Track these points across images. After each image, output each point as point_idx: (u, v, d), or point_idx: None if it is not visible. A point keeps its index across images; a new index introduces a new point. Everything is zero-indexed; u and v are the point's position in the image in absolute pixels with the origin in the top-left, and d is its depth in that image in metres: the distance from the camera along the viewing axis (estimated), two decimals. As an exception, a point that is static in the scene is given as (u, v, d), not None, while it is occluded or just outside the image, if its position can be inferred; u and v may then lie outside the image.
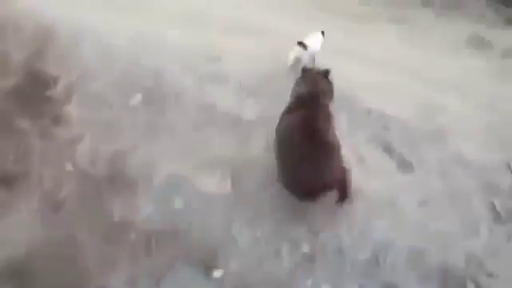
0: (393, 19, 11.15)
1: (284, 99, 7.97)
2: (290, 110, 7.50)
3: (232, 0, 10.20)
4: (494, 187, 7.80)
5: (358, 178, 7.72)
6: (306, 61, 8.89)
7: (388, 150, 8.20)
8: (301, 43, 8.74)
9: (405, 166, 7.98)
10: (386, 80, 9.14)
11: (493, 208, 7.62)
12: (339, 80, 8.70)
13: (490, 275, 7.02)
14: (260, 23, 9.84)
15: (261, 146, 8.09)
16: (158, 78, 8.81)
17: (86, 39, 9.27)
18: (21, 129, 8.34)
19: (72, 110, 8.52)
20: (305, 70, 7.95)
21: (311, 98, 7.51)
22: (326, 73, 7.84)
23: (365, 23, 10.87)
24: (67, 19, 9.49)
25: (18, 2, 9.70)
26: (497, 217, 7.53)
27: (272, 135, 7.68)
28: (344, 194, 7.41)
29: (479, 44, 10.61)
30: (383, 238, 7.28)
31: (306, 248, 7.35)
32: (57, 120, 8.43)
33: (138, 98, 8.60)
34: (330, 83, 7.87)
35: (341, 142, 7.30)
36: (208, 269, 7.11)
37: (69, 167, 7.88)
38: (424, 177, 7.87)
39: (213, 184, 7.69)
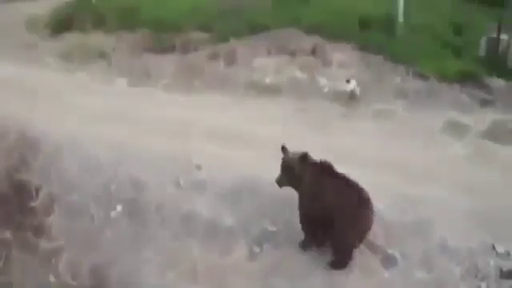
0: (367, 115, 11.38)
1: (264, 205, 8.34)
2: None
3: (220, 109, 10.38)
4: (481, 271, 7.81)
5: (340, 279, 7.79)
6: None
7: (370, 246, 8.25)
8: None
9: (388, 260, 8.03)
10: (364, 175, 9.24)
11: (481, 294, 7.72)
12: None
13: None
14: (245, 131, 10.06)
15: (242, 253, 8.16)
16: (138, 189, 8.99)
17: (70, 150, 9.51)
18: (3, 240, 8.38)
19: (53, 220, 8.61)
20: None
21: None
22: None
23: (344, 120, 11.10)
24: (52, 130, 9.71)
25: (1, 112, 9.92)
26: (485, 302, 7.61)
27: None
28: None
29: (455, 129, 10.74)
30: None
31: None
32: (38, 231, 8.49)
33: (118, 209, 8.74)
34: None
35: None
36: None
37: (52, 279, 7.87)
38: (409, 270, 7.90)
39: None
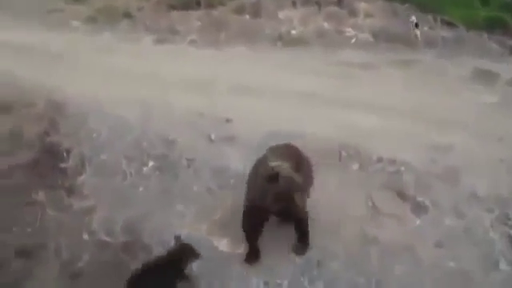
0: (395, 63, 11.24)
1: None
2: None
3: (243, 62, 10.33)
4: (511, 218, 7.84)
5: (372, 226, 7.86)
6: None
7: (401, 195, 8.32)
8: None
9: (419, 208, 8.07)
10: (393, 126, 9.27)
11: (511, 240, 7.64)
12: (346, 129, 8.86)
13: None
14: (273, 84, 9.99)
15: (275, 206, 8.20)
16: (169, 145, 9.06)
17: (96, 112, 9.58)
18: (37, 201, 8.48)
19: (85, 180, 8.72)
20: None
21: None
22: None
23: (370, 70, 10.99)
24: (79, 93, 9.78)
25: (28, 79, 10.01)
26: (516, 248, 7.59)
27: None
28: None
29: (483, 77, 10.66)
30: (401, 286, 7.27)
31: (324, 301, 7.38)
32: (71, 191, 8.60)
33: (150, 165, 8.81)
34: None
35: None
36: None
37: (85, 236, 7.97)
38: (439, 218, 7.95)
39: (229, 246, 7.77)
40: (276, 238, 7.73)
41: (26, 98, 9.76)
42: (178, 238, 7.25)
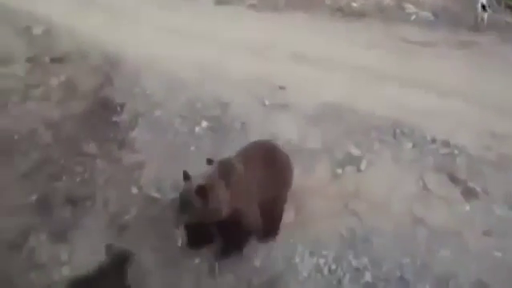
0: (455, 44, 10.98)
1: (348, 130, 8.13)
2: None
3: (301, 29, 10.17)
4: None
5: (421, 207, 7.71)
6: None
7: (453, 178, 8.12)
8: None
9: (470, 194, 7.85)
10: (450, 107, 9.04)
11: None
12: (402, 107, 8.68)
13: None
14: (330, 54, 9.81)
15: (325, 175, 8.13)
16: (223, 107, 8.98)
17: (152, 69, 9.54)
18: (88, 152, 8.54)
19: (137, 135, 8.72)
20: None
21: None
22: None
23: (429, 48, 10.73)
24: (133, 49, 9.74)
25: (85, 32, 10.01)
26: None
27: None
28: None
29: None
30: (446, 271, 7.13)
31: (368, 277, 7.29)
32: (123, 144, 8.63)
33: (203, 125, 8.76)
34: None
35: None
36: (268, 295, 7.15)
37: (134, 190, 7.98)
38: (489, 206, 7.71)
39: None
40: (325, 209, 7.68)
41: (83, 50, 9.78)
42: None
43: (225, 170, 6.44)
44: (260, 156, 6.84)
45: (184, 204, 6.07)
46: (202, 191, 6.03)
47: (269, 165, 6.80)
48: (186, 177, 6.30)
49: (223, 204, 6.25)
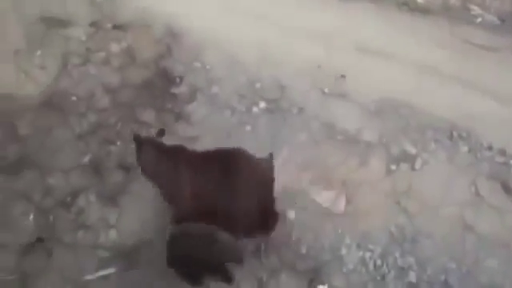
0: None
1: (405, 126, 8.17)
2: None
3: (365, 19, 10.00)
4: None
5: (472, 213, 7.61)
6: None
7: (506, 188, 7.97)
8: None
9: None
10: (510, 116, 8.77)
11: None
12: (461, 109, 8.52)
13: None
14: (394, 48, 9.62)
15: (379, 170, 8.06)
16: (282, 91, 8.87)
17: (213, 46, 9.42)
18: (144, 121, 8.56)
19: (194, 109, 8.69)
20: None
21: None
22: None
23: (492, 53, 10.46)
24: (196, 23, 9.68)
25: (150, 3, 9.99)
26: None
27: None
28: None
29: None
30: (491, 281, 7.08)
31: (412, 277, 7.22)
32: (179, 117, 8.61)
33: (261, 106, 8.69)
34: None
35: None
36: (312, 282, 7.10)
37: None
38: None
39: (327, 201, 7.67)
40: (376, 203, 7.67)
41: (146, 20, 9.72)
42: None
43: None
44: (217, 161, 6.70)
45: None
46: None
47: (225, 174, 6.62)
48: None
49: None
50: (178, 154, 6.79)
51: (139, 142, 6.73)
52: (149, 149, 6.69)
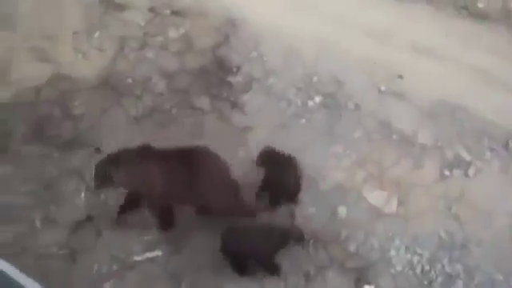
0: None
1: (461, 132, 8.10)
2: None
3: (418, 22, 9.87)
4: None
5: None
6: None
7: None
8: None
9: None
10: None
11: None
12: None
13: None
14: (452, 52, 9.47)
15: (432, 174, 7.95)
16: (339, 86, 8.79)
17: (271, 37, 9.37)
18: (199, 107, 8.59)
19: (250, 99, 8.67)
20: None
21: None
22: None
23: None
24: (254, 13, 9.66)
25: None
26: None
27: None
28: None
29: None
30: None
31: (459, 285, 7.10)
32: (234, 106, 8.60)
33: (317, 100, 8.62)
34: None
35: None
36: (358, 281, 7.02)
37: (240, 153, 8.02)
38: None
39: (379, 201, 7.60)
40: (427, 207, 7.57)
41: (204, 7, 9.75)
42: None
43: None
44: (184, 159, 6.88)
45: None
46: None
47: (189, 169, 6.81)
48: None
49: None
50: (146, 153, 6.92)
51: (116, 161, 6.78)
52: (125, 163, 6.80)
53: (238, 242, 6.70)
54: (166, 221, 7.20)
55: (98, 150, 6.89)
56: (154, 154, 6.89)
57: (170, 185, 6.77)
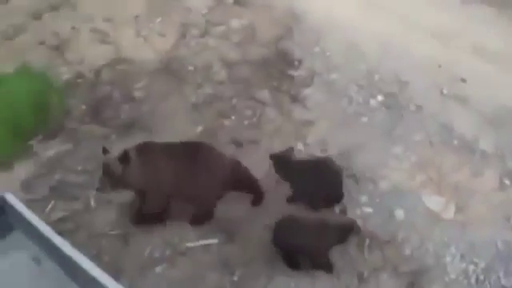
0: None
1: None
2: None
3: (482, 25, 9.66)
4: None
5: None
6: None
7: None
8: None
9: None
10: None
11: None
12: None
13: None
14: (509, 53, 9.25)
15: (492, 182, 7.75)
16: (401, 86, 8.69)
17: (334, 33, 9.34)
18: (260, 99, 8.56)
19: (311, 93, 8.61)
20: None
21: None
22: None
23: None
24: (319, 9, 9.62)
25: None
26: None
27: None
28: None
29: None
30: None
31: (515, 297, 6.92)
32: (295, 99, 8.55)
33: (379, 99, 8.54)
34: None
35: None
36: (412, 286, 6.82)
37: (300, 146, 7.92)
38: None
39: (437, 205, 7.42)
40: (486, 216, 7.39)
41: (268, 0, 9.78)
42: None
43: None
44: (184, 153, 6.81)
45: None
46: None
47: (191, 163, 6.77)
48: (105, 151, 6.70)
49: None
50: (148, 149, 6.82)
51: (127, 158, 6.59)
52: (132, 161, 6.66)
53: (291, 234, 6.58)
54: (161, 215, 7.19)
55: (105, 151, 6.67)
56: (156, 148, 6.85)
57: (174, 177, 6.75)
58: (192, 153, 6.80)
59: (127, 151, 6.57)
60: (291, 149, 7.24)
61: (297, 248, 6.67)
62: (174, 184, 6.78)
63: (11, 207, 6.09)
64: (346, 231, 6.65)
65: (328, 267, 6.80)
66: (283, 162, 7.14)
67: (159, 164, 6.70)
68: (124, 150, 6.58)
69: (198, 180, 6.76)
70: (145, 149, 6.76)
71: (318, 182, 7.04)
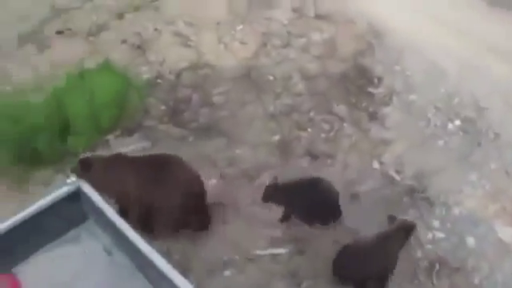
0: None
1: None
2: None
3: None
4: None
5: None
6: None
7: None
8: None
9: None
10: None
11: None
12: None
13: None
14: None
15: None
16: (480, 112, 8.62)
17: (415, 52, 9.35)
18: (338, 114, 8.64)
19: (390, 112, 8.65)
20: None
21: None
22: None
23: None
24: (398, 26, 9.63)
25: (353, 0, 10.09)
26: None
27: None
28: None
29: None
30: None
31: None
32: (373, 116, 8.61)
33: (456, 123, 8.49)
34: None
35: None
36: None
37: (375, 165, 7.98)
38: None
39: (509, 237, 7.32)
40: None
41: (349, 15, 9.83)
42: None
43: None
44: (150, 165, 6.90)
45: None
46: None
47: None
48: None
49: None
50: (119, 161, 6.94)
51: (88, 164, 6.74)
52: (96, 166, 6.77)
53: (354, 265, 6.53)
54: (146, 225, 7.07)
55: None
56: (125, 159, 6.98)
57: (141, 187, 6.84)
58: (159, 164, 6.90)
59: (87, 159, 6.81)
60: (275, 178, 7.22)
61: (362, 277, 6.62)
62: (138, 193, 6.84)
63: (86, 196, 6.37)
64: (407, 231, 6.66)
65: None
66: (270, 191, 7.21)
67: (123, 174, 6.84)
68: (86, 157, 6.86)
69: (161, 190, 6.82)
70: (112, 159, 6.98)
71: (308, 199, 7.13)
